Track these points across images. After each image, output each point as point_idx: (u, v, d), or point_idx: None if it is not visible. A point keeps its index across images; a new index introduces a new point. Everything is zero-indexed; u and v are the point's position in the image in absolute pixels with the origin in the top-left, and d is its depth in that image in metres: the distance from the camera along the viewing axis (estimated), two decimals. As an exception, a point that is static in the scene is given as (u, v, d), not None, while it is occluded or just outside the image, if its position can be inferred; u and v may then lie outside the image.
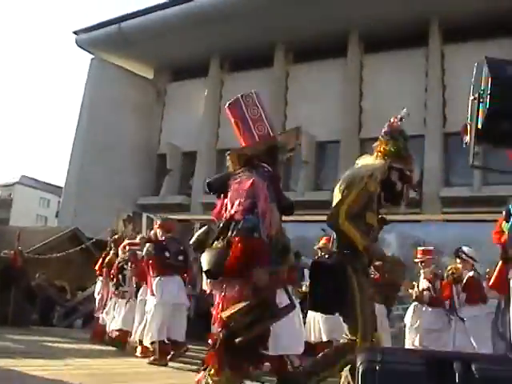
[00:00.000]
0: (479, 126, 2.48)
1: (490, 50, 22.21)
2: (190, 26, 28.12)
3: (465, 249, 9.49)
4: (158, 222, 9.86)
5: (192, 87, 30.93)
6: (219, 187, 4.91)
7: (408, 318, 10.15)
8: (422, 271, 10.15)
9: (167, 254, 9.08)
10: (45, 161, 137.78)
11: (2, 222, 55.37)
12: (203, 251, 4.71)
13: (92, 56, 32.52)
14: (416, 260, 10.30)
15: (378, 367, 2.93)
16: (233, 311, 4.26)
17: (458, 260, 9.59)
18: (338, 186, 5.02)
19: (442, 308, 9.84)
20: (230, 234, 4.57)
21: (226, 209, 4.78)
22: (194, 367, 7.90)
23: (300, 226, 10.09)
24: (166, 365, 7.82)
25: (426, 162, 24.47)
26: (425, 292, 9.93)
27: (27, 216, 56.40)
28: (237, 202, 4.60)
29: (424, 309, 9.95)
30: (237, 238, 4.44)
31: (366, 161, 5.38)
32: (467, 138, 2.61)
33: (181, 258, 9.02)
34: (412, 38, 25.56)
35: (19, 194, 65.70)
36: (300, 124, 26.15)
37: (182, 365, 8.14)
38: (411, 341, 9.90)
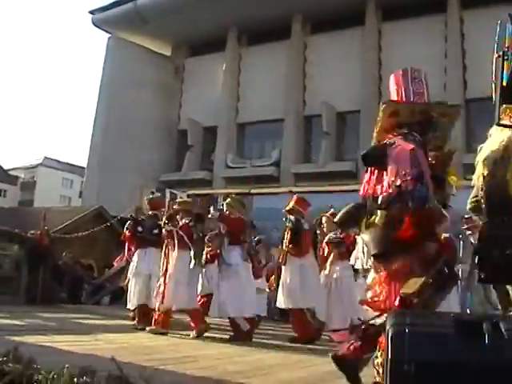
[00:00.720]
0: (504, 84, 2.45)
1: (507, 13, 21.89)
2: (206, 1, 27.99)
3: None
4: (145, 199, 10.13)
5: (210, 62, 30.86)
6: (378, 159, 4.53)
7: None
8: None
9: (140, 229, 9.63)
10: (66, 142, 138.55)
11: (26, 203, 55.86)
12: (351, 226, 4.56)
13: (109, 35, 32.51)
14: None
15: (407, 330, 2.95)
16: (416, 286, 4.03)
17: None
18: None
19: None
20: (397, 205, 4.25)
21: (380, 182, 4.42)
22: (223, 336, 8.02)
23: (322, 197, 10.09)
24: (166, 333, 8.19)
25: (447, 129, 24.30)
26: None
27: (51, 197, 56.66)
28: (401, 171, 4.27)
29: None
30: (411, 210, 4.18)
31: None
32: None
33: (155, 231, 9.26)
34: (430, 5, 25.24)
35: (42, 175, 66.08)
36: (320, 95, 26.04)
37: (207, 334, 8.23)
38: None
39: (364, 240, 4.40)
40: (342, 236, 9.04)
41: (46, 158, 69.89)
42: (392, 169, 4.25)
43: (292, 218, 8.60)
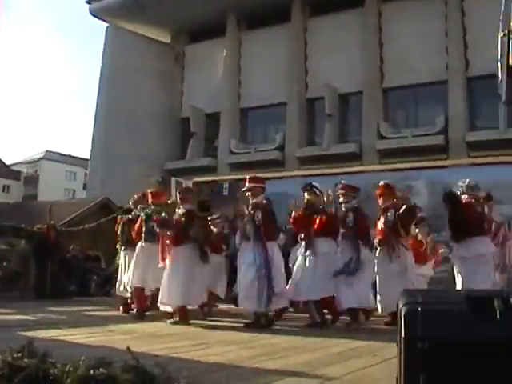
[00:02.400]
0: (510, 62, 2.45)
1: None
2: (205, -14, 27.95)
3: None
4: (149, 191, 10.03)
5: (210, 48, 30.78)
6: None
7: None
8: None
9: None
10: (68, 134, 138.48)
11: (31, 198, 55.95)
12: None
13: (107, 24, 32.41)
14: None
15: (419, 308, 2.97)
16: None
17: None
18: None
19: None
20: None
21: None
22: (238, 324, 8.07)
23: (327, 179, 10.07)
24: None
25: (450, 108, 24.30)
26: None
27: (55, 190, 56.83)
28: None
29: None
30: None
31: None
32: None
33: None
34: (429, -17, 25.14)
35: (45, 169, 66.15)
36: (322, 77, 26.03)
37: (220, 323, 8.29)
38: None
39: None
40: None
41: (47, 151, 69.97)
42: None
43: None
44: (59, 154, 70.70)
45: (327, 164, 23.61)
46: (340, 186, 8.70)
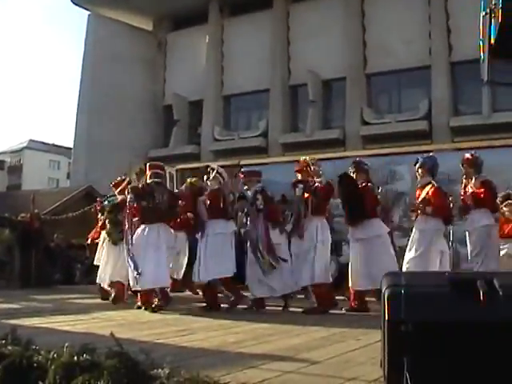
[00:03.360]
0: (492, 42, 2.45)
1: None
2: (186, -28, 27.80)
3: None
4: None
5: (193, 35, 30.62)
6: None
7: None
8: None
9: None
10: (51, 123, 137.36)
11: (15, 187, 55.56)
12: None
13: (88, 12, 32.13)
14: None
15: (403, 291, 2.97)
16: None
17: None
18: None
19: None
20: None
21: None
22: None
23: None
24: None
25: (433, 93, 24.35)
26: None
27: (39, 180, 56.39)
28: None
29: None
30: None
31: None
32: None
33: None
34: (412, -32, 25.13)
35: (28, 158, 65.63)
36: (305, 63, 25.98)
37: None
38: None
39: None
40: None
41: (31, 140, 69.40)
42: None
43: None
44: (43, 143, 70.13)
45: (311, 150, 23.55)
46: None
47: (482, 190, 7.95)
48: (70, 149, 33.82)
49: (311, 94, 26.22)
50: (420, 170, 8.11)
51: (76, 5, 32.33)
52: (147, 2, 30.32)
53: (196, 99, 30.27)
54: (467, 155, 8.34)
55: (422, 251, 7.79)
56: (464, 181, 8.30)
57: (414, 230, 8.07)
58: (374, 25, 26.04)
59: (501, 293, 2.97)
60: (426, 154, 8.56)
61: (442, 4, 24.70)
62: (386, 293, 3.02)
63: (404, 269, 7.71)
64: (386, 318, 2.98)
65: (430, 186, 7.96)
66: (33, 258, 14.39)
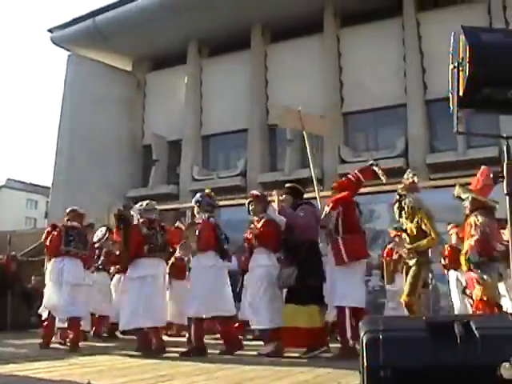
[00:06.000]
0: (461, 94, 2.53)
1: (462, 14, 22.30)
2: (165, 15, 28.04)
3: None
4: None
5: (172, 75, 30.78)
6: None
7: None
8: None
9: None
10: (29, 162, 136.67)
11: (-9, 226, 54.98)
12: None
13: (69, 53, 32.26)
14: None
15: (381, 336, 2.98)
16: None
17: None
18: None
19: None
20: None
21: None
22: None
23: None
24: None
25: (409, 131, 24.65)
26: None
27: (16, 219, 55.92)
28: None
29: None
30: None
31: None
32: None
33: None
34: (386, 9, 25.59)
35: (6, 197, 65.11)
36: (283, 103, 26.17)
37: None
38: None
39: None
40: None
41: (8, 179, 68.96)
42: None
43: None
44: (20, 181, 69.74)
45: (290, 189, 23.65)
46: None
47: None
48: (48, 188, 33.59)
49: (289, 133, 26.38)
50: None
51: (56, 45, 32.48)
52: (126, 42, 30.53)
53: (175, 139, 30.35)
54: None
55: None
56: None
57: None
58: (351, 65, 26.39)
59: (477, 335, 2.99)
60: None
61: (416, 44, 25.14)
62: (364, 338, 3.04)
63: None
64: (365, 363, 2.99)
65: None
66: (9, 301, 14.20)
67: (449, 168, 21.62)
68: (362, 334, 3.08)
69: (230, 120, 28.16)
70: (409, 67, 25.14)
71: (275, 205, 7.94)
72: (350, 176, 8.11)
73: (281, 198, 8.20)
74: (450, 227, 10.95)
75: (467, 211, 7.63)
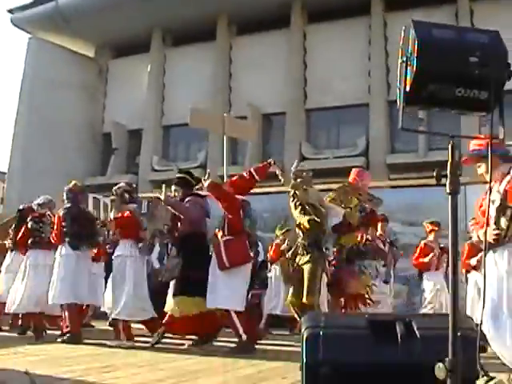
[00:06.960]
0: (407, 89, 2.50)
1: (430, 16, 22.46)
2: (130, 1, 27.75)
3: None
4: None
5: (134, 63, 30.50)
6: None
7: None
8: None
9: None
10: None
11: None
12: None
13: (29, 35, 31.73)
14: None
15: (321, 332, 2.96)
16: None
17: None
18: None
19: None
20: None
21: None
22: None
23: (252, 199, 10.00)
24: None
25: (371, 130, 24.83)
26: None
27: (-29, 204, 55.00)
28: None
29: None
30: None
31: None
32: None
33: None
34: (354, 7, 25.66)
35: (-38, 182, 64.10)
36: (246, 96, 25.96)
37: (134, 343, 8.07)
38: None
39: None
40: None
41: (-36, 163, 67.75)
42: None
43: None
44: (-24, 166, 68.57)
45: (250, 183, 23.65)
46: None
47: None
48: (5, 173, 33.06)
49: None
50: None
51: (16, 26, 31.93)
52: (89, 28, 30.10)
53: (135, 128, 30.11)
54: None
55: None
56: None
57: None
58: (315, 61, 26.46)
59: (418, 335, 2.99)
60: None
61: (382, 44, 25.31)
62: (304, 334, 3.01)
63: None
64: (305, 359, 2.96)
65: None
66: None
67: (408, 169, 21.84)
68: (302, 330, 3.05)
69: (192, 111, 28.00)
70: (373, 67, 25.31)
71: (162, 196, 7.79)
72: (243, 173, 8.02)
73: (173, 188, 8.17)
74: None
75: None
